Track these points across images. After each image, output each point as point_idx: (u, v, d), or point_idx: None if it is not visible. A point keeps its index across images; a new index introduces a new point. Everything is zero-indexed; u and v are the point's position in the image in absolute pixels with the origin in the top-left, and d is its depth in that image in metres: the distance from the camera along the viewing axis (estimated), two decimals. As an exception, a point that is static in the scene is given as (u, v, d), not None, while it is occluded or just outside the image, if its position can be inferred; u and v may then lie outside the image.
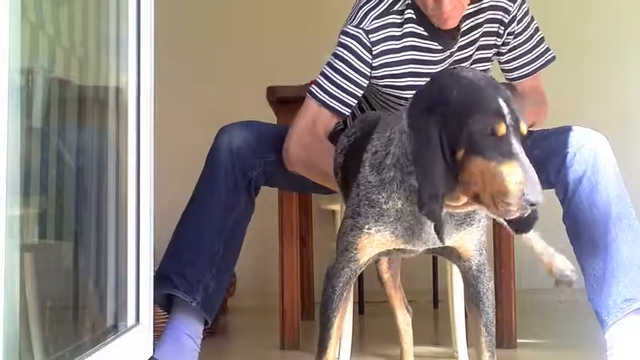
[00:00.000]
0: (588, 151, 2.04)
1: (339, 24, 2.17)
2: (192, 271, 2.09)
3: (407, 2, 2.10)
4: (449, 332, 2.56)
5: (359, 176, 1.63)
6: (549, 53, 2.25)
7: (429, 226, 1.58)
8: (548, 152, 2.05)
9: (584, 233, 2.03)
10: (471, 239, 1.69)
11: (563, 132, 2.09)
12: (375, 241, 1.63)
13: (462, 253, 1.70)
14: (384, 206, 1.59)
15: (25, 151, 1.34)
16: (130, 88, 1.83)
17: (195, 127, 3.94)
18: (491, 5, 2.15)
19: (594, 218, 2.01)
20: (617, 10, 4.36)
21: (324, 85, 2.12)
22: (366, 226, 1.61)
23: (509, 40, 2.20)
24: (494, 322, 1.76)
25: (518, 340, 2.74)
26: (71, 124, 1.68)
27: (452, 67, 2.14)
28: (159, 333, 2.05)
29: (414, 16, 2.11)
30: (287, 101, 2.74)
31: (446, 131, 1.44)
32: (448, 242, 1.65)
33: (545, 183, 1.99)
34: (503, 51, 2.22)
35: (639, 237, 2.00)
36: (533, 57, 2.23)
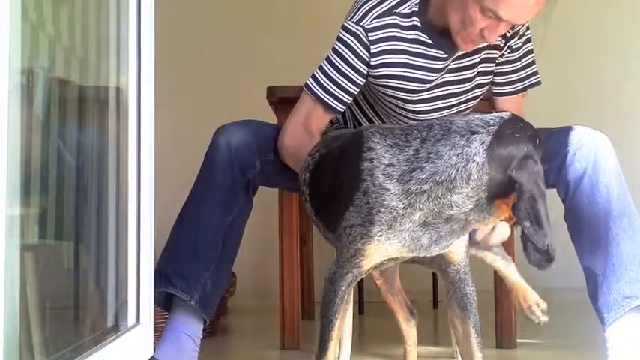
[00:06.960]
0: (588, 149, 2.04)
1: (339, 24, 2.17)
2: (190, 269, 2.09)
3: (413, 9, 2.10)
4: (449, 332, 2.56)
5: (363, 185, 1.62)
6: (536, 77, 2.24)
7: (431, 235, 1.61)
8: (549, 152, 2.05)
9: (584, 231, 2.04)
10: (462, 243, 1.70)
11: (563, 132, 2.09)
12: (382, 249, 1.64)
13: (452, 257, 1.72)
14: (400, 212, 1.59)
15: (25, 151, 1.34)
16: (130, 88, 1.83)
17: (195, 127, 3.93)
18: None
19: (595, 216, 2.01)
20: (617, 9, 4.37)
21: (321, 80, 2.12)
22: (378, 234, 1.62)
23: (504, 53, 2.19)
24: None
25: (518, 340, 2.74)
26: (71, 124, 1.68)
27: (450, 76, 2.14)
28: (159, 333, 2.05)
29: (419, 24, 2.10)
30: (287, 101, 2.72)
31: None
32: (445, 249, 1.67)
33: (547, 183, 1.99)
34: (498, 62, 2.20)
35: (640, 235, 2.00)
36: (522, 76, 2.22)
